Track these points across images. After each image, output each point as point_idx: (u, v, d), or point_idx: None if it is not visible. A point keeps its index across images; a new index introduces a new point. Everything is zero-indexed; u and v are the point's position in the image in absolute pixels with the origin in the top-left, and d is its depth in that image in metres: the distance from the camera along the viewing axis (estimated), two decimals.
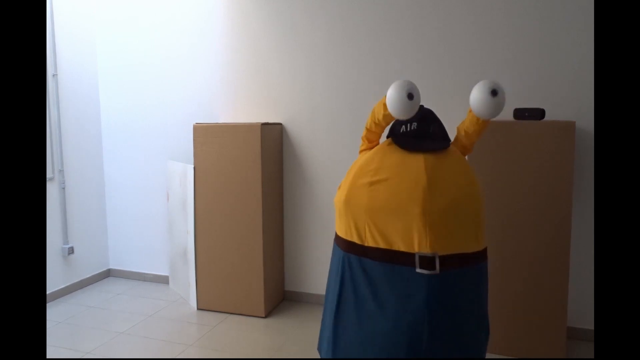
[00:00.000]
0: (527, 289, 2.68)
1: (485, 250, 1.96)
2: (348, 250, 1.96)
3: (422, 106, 2.11)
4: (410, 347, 1.80)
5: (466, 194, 1.85)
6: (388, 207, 1.86)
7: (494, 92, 1.85)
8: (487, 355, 2.75)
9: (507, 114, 2.99)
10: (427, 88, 3.14)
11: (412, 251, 1.82)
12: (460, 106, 3.07)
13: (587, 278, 2.92)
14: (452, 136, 3.09)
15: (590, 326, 2.94)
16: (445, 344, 1.82)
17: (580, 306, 2.95)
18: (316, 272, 3.53)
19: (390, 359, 1.82)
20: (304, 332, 3.06)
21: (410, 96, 1.84)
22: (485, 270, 1.96)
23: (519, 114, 2.74)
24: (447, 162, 1.92)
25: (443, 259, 1.81)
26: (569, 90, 2.87)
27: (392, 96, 1.86)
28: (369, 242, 1.90)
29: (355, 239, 1.94)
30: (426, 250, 1.80)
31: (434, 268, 1.79)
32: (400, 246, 1.84)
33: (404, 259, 1.83)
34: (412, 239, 1.83)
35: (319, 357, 2.74)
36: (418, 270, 1.80)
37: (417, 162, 1.89)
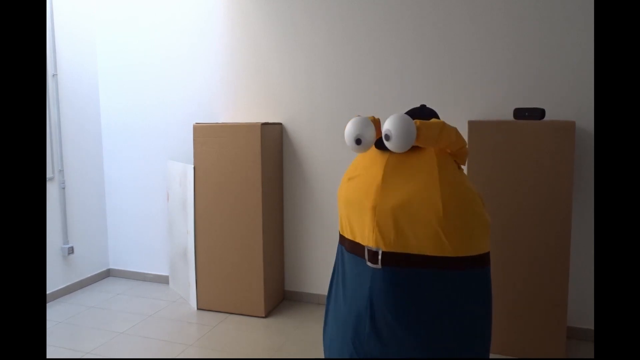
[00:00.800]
0: (527, 289, 2.68)
1: (467, 259, 1.84)
2: (340, 241, 2.14)
3: (424, 106, 2.12)
4: (355, 332, 1.94)
5: (422, 197, 1.83)
6: (354, 201, 1.98)
7: (358, 142, 1.89)
8: None
9: (507, 114, 2.99)
10: (427, 88, 3.14)
11: (363, 244, 1.94)
12: (460, 106, 3.08)
13: (587, 278, 2.92)
14: None
15: (590, 326, 2.94)
16: (386, 339, 1.88)
17: (580, 306, 2.95)
18: (316, 272, 3.53)
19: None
20: (304, 332, 3.06)
21: (358, 141, 1.89)
22: (470, 280, 1.85)
23: (519, 114, 2.74)
24: (411, 162, 1.92)
25: (387, 255, 1.86)
26: (569, 90, 2.87)
27: (345, 136, 1.96)
28: (346, 234, 2.06)
29: (340, 231, 2.13)
30: (371, 245, 1.89)
31: (377, 262, 1.87)
32: (359, 238, 1.97)
33: (361, 251, 1.95)
34: (364, 232, 1.94)
35: (318, 356, 2.74)
36: (367, 262, 1.91)
37: (381, 161, 1.97)
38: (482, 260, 1.87)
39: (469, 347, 1.88)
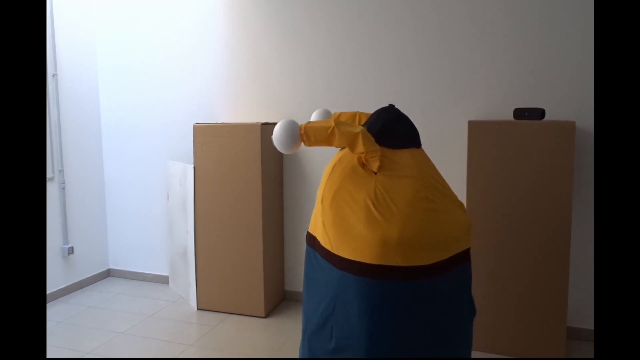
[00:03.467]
0: (527, 289, 2.68)
1: (345, 260, 1.81)
2: None
3: (392, 106, 2.09)
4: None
5: (319, 188, 1.97)
6: None
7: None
8: (487, 355, 2.76)
9: (507, 114, 2.99)
10: (427, 88, 3.14)
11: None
12: (460, 106, 3.08)
13: (587, 278, 2.92)
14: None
15: (590, 326, 2.94)
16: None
17: (580, 306, 2.95)
18: None
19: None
20: None
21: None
22: (345, 280, 1.80)
23: (519, 114, 2.74)
24: (336, 156, 2.03)
25: (307, 234, 2.06)
26: (569, 90, 2.87)
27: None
28: None
29: None
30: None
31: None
32: None
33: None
34: None
35: None
36: None
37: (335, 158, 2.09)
38: (356, 268, 1.79)
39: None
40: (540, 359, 2.69)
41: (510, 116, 2.98)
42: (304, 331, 1.99)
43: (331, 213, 1.84)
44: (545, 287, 2.65)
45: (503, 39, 2.97)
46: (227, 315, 3.34)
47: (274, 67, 3.48)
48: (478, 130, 2.70)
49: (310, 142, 1.93)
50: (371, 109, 3.27)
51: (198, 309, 3.43)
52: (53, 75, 3.58)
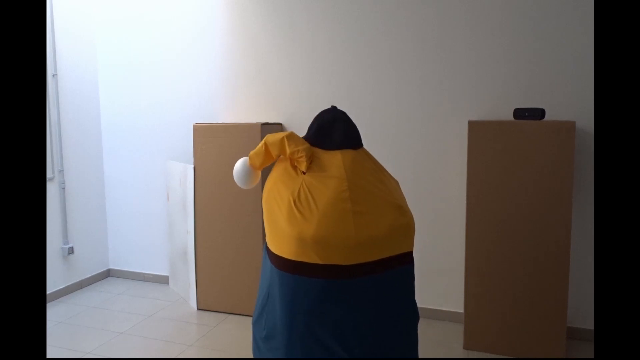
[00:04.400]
0: (527, 289, 2.68)
1: (269, 250, 1.96)
2: None
3: (334, 107, 2.12)
4: None
5: (263, 193, 2.07)
6: None
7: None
8: (488, 355, 2.76)
9: (507, 114, 2.99)
10: (427, 88, 3.14)
11: None
12: (460, 106, 3.08)
13: (587, 278, 2.92)
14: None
15: (590, 326, 2.94)
16: None
17: (580, 306, 2.95)
18: None
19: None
20: None
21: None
22: (276, 277, 1.89)
23: (519, 114, 2.74)
24: (277, 162, 2.13)
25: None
26: (569, 90, 2.87)
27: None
28: None
29: None
30: None
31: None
32: None
33: None
34: None
35: None
36: None
37: None
38: (279, 263, 1.86)
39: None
40: (540, 359, 2.69)
41: (510, 116, 2.98)
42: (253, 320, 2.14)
43: (265, 210, 1.97)
44: (545, 287, 2.65)
45: (503, 39, 2.97)
46: (227, 315, 3.34)
47: (274, 67, 3.48)
48: (478, 130, 2.70)
49: (257, 166, 2.11)
50: (371, 109, 3.27)
51: (198, 309, 3.43)
52: (53, 75, 3.58)
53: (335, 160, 1.93)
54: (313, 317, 1.79)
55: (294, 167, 1.98)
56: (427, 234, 3.22)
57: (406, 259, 1.89)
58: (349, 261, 1.78)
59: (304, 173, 1.92)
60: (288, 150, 1.95)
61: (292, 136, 1.99)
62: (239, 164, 2.16)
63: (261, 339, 1.97)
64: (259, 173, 2.18)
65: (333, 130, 2.01)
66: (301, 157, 1.92)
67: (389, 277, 1.84)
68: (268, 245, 1.96)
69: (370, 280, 1.81)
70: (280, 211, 1.86)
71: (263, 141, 2.07)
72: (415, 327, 1.93)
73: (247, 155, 2.26)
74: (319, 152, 1.97)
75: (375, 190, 1.89)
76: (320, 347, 1.80)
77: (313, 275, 1.78)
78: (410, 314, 1.91)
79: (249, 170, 2.14)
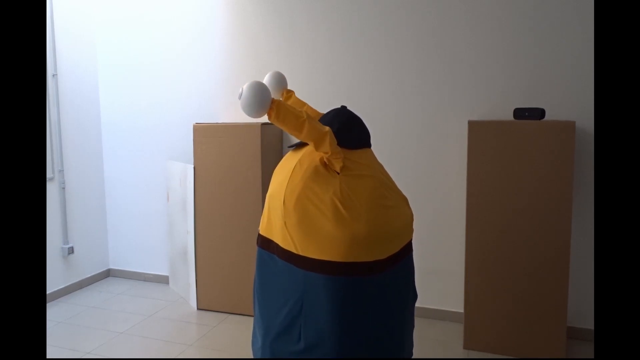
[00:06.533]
0: (527, 289, 2.69)
1: (309, 260, 1.82)
2: None
3: (344, 107, 2.10)
4: None
5: (277, 191, 1.94)
6: None
7: (240, 96, 1.92)
8: (487, 355, 2.76)
9: (507, 114, 2.99)
10: (427, 88, 3.14)
11: None
12: (460, 106, 3.07)
13: (587, 278, 2.92)
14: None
15: (590, 326, 2.94)
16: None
17: (580, 306, 2.95)
18: None
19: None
20: None
21: (239, 95, 1.91)
22: (312, 281, 1.82)
23: (519, 114, 2.74)
24: (290, 158, 2.05)
25: (259, 236, 2.04)
26: (569, 90, 2.87)
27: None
28: None
29: None
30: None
31: (257, 242, 2.06)
32: None
33: None
34: None
35: None
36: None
37: (292, 153, 2.12)
38: (325, 268, 1.81)
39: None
40: (540, 359, 2.69)
41: (510, 116, 2.98)
42: (265, 335, 1.96)
43: (296, 215, 1.85)
44: (546, 287, 2.65)
45: (503, 39, 2.97)
46: (227, 315, 3.34)
47: (274, 67, 3.48)
48: (478, 130, 2.70)
49: (275, 120, 1.85)
50: (371, 109, 3.27)
51: (198, 309, 3.43)
52: (53, 75, 3.58)
53: (362, 159, 1.98)
54: (363, 314, 1.83)
55: (325, 166, 1.92)
56: (427, 234, 3.22)
57: (411, 247, 2.07)
58: (387, 254, 1.86)
59: (338, 173, 1.89)
60: (328, 149, 1.87)
61: (332, 134, 1.89)
62: (259, 92, 1.84)
63: (296, 352, 1.86)
64: (273, 105, 1.85)
65: (352, 129, 2.04)
66: (340, 157, 1.90)
67: (403, 264, 1.98)
68: (300, 252, 1.84)
69: (394, 271, 1.92)
70: (323, 214, 1.81)
71: (303, 116, 1.84)
72: (414, 306, 2.11)
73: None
74: (345, 151, 1.97)
75: (391, 185, 2.01)
76: (369, 345, 1.84)
77: (359, 275, 1.81)
78: (414, 294, 2.08)
79: (266, 107, 1.84)
